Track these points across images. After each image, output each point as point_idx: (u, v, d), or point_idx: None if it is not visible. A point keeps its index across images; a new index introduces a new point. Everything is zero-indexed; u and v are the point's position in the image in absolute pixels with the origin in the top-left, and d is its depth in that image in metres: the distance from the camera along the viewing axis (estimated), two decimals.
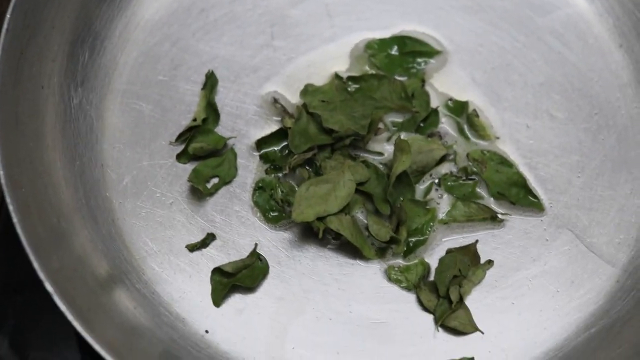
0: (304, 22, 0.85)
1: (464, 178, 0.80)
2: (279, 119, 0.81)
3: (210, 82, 0.81)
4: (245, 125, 0.81)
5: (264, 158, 0.80)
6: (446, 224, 0.78)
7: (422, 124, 0.81)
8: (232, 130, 0.81)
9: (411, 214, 0.77)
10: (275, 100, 0.81)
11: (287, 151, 0.79)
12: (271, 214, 0.78)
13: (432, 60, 0.84)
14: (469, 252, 0.77)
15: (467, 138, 0.81)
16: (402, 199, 0.78)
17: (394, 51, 0.84)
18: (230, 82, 0.82)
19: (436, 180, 0.80)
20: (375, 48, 0.84)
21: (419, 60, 0.84)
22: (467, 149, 0.81)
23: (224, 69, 0.83)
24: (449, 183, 0.80)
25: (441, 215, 0.78)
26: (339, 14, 0.86)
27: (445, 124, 0.82)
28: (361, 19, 0.86)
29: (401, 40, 0.84)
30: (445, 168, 0.80)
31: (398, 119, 0.81)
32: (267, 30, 0.85)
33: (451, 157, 0.80)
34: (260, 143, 0.80)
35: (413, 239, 0.77)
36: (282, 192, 0.78)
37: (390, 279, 0.76)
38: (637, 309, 0.75)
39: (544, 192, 0.80)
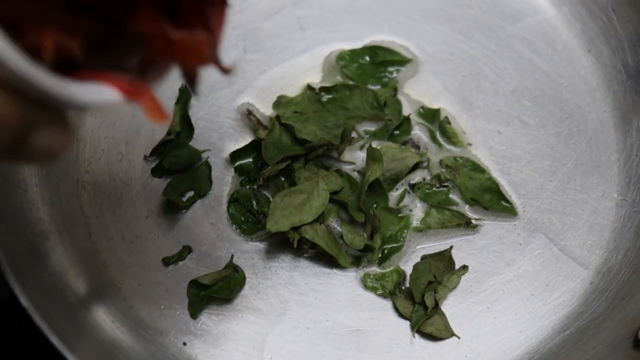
0: (276, 35, 0.86)
1: (438, 185, 0.81)
2: (254, 131, 0.81)
3: (184, 97, 0.82)
4: (219, 139, 0.81)
5: (238, 170, 0.80)
6: (421, 231, 0.79)
7: (395, 132, 0.82)
8: (207, 143, 0.81)
9: (385, 221, 0.78)
10: (249, 112, 0.82)
11: (261, 163, 0.80)
12: (246, 225, 0.78)
13: (403, 69, 0.85)
14: (444, 258, 0.77)
15: (439, 145, 0.82)
16: (375, 206, 0.78)
17: (366, 61, 0.85)
18: (204, 95, 0.83)
19: (409, 188, 0.80)
20: (347, 59, 0.85)
21: (391, 69, 0.85)
22: (440, 155, 0.82)
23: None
24: (423, 191, 0.80)
25: (415, 222, 0.79)
26: (311, 26, 0.87)
27: (418, 132, 0.83)
28: (333, 30, 0.87)
29: (372, 50, 0.85)
30: (418, 176, 0.81)
31: (371, 127, 0.82)
32: (239, 43, 0.86)
33: (424, 164, 0.81)
34: (235, 155, 0.80)
35: (388, 246, 0.78)
36: (257, 203, 0.78)
37: (366, 287, 0.77)
38: (610, 309, 0.76)
39: (517, 197, 0.81)
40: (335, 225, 0.78)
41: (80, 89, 0.45)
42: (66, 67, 0.45)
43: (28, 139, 0.44)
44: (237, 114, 0.82)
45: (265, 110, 0.82)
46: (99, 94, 0.46)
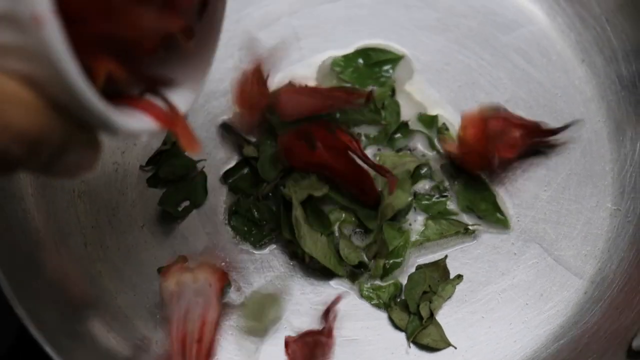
0: (272, 45, 0.86)
1: (437, 196, 0.81)
2: (238, 146, 0.81)
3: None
4: (214, 148, 0.82)
5: (233, 189, 0.80)
6: (421, 244, 0.79)
7: (395, 136, 0.82)
8: (202, 153, 0.81)
9: (388, 236, 0.77)
10: (226, 127, 0.82)
11: (255, 179, 0.79)
12: (251, 235, 0.78)
13: (398, 66, 0.85)
14: (439, 268, 0.78)
15: (438, 152, 0.82)
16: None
17: (360, 64, 0.85)
18: (200, 105, 0.83)
19: (414, 199, 0.80)
20: (342, 65, 0.85)
21: (386, 67, 0.85)
22: (439, 162, 0.82)
23: None
24: (423, 202, 0.80)
25: (415, 236, 0.79)
26: (306, 36, 0.87)
27: (416, 138, 0.83)
28: (329, 40, 0.87)
29: (364, 52, 0.85)
30: (420, 184, 0.81)
31: (369, 131, 0.82)
32: (235, 53, 0.86)
33: (424, 170, 0.81)
34: (227, 175, 0.80)
35: (389, 262, 0.78)
36: (257, 212, 0.78)
37: (361, 296, 0.77)
38: (604, 319, 0.76)
39: (512, 206, 0.81)
40: (345, 231, 0.78)
41: (122, 114, 0.47)
42: (109, 91, 0.47)
43: (62, 156, 0.46)
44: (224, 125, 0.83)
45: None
46: (138, 121, 0.48)
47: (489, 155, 0.78)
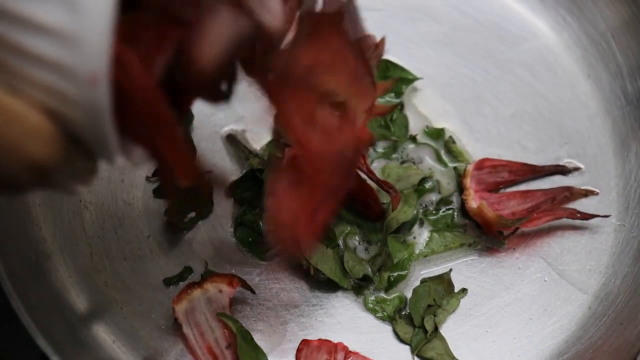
0: None
1: (444, 209, 0.81)
2: (245, 159, 0.81)
3: (186, 118, 0.82)
4: (221, 160, 0.82)
5: (239, 201, 0.80)
6: (425, 256, 0.79)
7: (406, 147, 0.82)
8: (209, 165, 0.81)
9: (393, 249, 0.78)
10: (232, 138, 0.82)
11: (260, 190, 0.80)
12: (256, 246, 0.78)
13: (413, 85, 0.85)
14: (443, 281, 0.78)
15: (445, 164, 0.83)
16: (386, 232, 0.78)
17: (379, 74, 0.85)
18: (207, 117, 0.83)
19: (422, 213, 0.80)
20: None
21: (399, 84, 0.85)
22: (445, 175, 0.82)
23: (200, 104, 0.83)
24: (431, 217, 0.80)
25: (420, 249, 0.79)
26: None
27: (422, 151, 0.83)
28: None
29: (385, 64, 0.86)
30: (427, 198, 0.81)
31: (379, 145, 0.82)
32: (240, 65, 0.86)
33: (429, 183, 0.81)
34: (234, 187, 0.80)
35: (394, 274, 0.78)
36: (263, 224, 0.78)
37: (366, 308, 0.77)
38: (608, 335, 0.76)
39: None
40: (349, 243, 0.78)
41: (126, 147, 0.49)
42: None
43: (64, 179, 0.49)
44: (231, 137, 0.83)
45: (266, 133, 0.83)
46: (137, 152, 0.50)
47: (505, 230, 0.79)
